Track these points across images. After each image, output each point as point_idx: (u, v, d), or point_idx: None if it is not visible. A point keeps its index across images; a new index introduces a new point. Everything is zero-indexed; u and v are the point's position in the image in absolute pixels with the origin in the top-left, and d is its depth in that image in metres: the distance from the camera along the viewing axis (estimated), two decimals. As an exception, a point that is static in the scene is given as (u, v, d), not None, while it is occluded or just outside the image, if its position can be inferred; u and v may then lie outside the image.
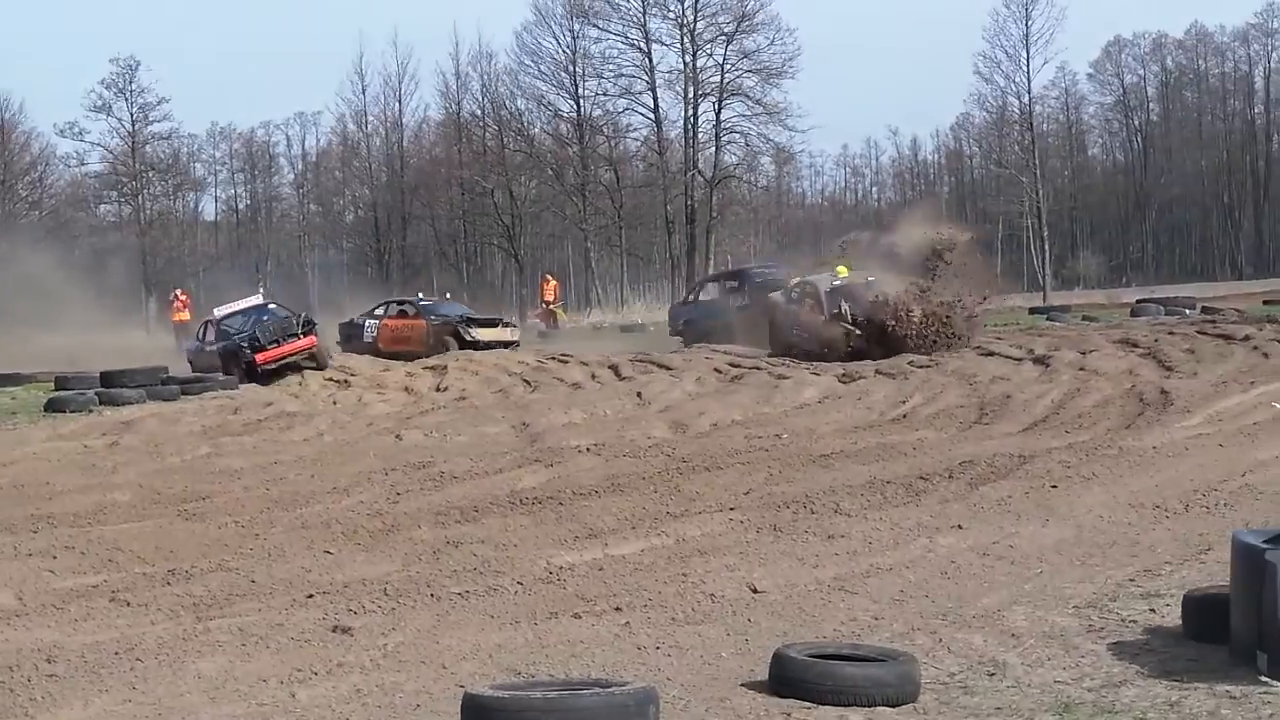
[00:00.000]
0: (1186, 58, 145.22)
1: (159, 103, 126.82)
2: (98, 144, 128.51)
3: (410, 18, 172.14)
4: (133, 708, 12.69)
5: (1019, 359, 44.73)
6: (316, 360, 56.74)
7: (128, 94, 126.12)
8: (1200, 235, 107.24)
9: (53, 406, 46.16)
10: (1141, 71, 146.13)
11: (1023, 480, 23.98)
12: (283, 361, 55.87)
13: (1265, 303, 69.67)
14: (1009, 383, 39.06)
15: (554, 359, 53.72)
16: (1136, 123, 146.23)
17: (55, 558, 19.79)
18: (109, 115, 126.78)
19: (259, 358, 55.19)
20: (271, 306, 60.18)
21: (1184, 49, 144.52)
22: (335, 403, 44.64)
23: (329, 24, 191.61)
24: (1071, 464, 25.45)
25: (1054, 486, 23.40)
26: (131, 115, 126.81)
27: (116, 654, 14.57)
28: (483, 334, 63.96)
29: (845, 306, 51.97)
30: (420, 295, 75.43)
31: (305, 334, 56.67)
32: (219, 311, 62.21)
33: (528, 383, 47.72)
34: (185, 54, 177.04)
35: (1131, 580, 16.55)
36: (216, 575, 18.37)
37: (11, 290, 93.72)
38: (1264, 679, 12.24)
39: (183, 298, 77.81)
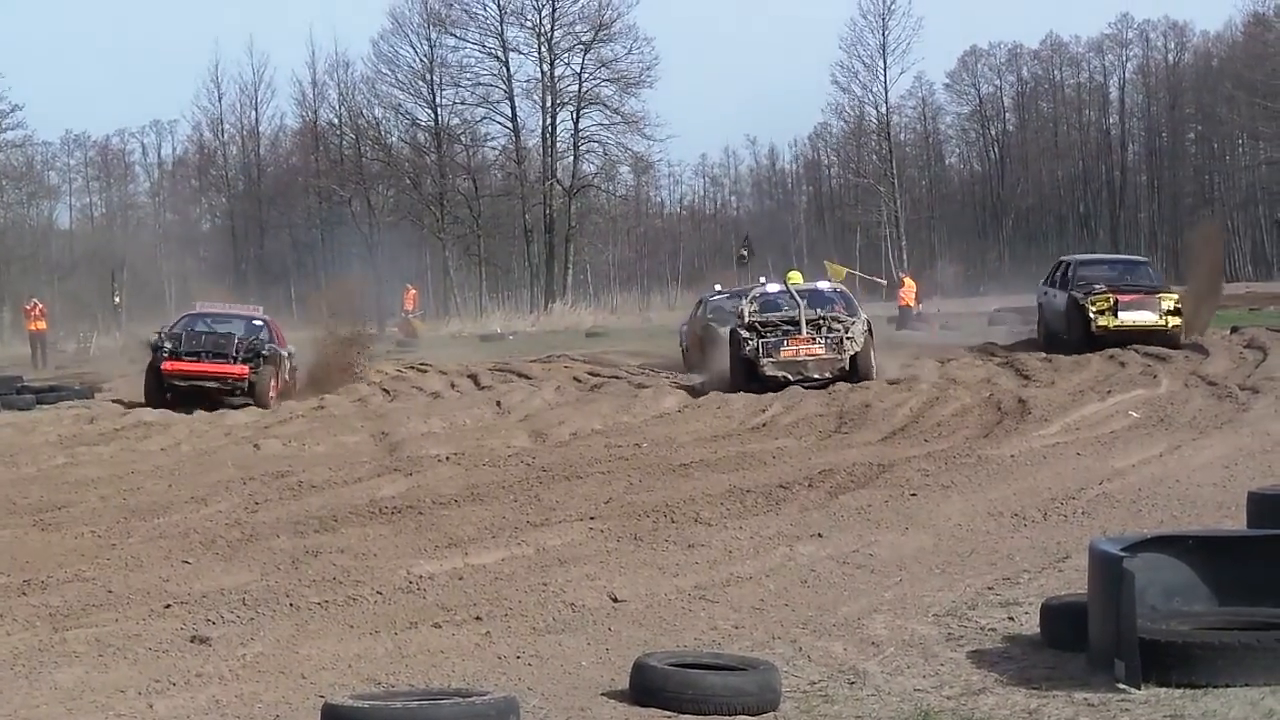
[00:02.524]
0: (1042, 68, 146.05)
1: (11, 110, 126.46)
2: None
3: (266, 25, 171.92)
4: (-11, 719, 12.64)
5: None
6: (254, 397, 47.03)
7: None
8: (1057, 244, 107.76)
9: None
10: (998, 82, 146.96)
11: (882, 489, 24.06)
12: (194, 383, 47.13)
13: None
14: (868, 391, 39.19)
15: (413, 368, 53.76)
16: (993, 132, 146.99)
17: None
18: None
19: (167, 365, 47.12)
20: (258, 322, 52.11)
21: (1039, 59, 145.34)
22: (191, 412, 44.42)
23: (184, 30, 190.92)
24: (930, 472, 25.55)
25: (913, 495, 23.48)
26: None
27: (-28, 666, 14.52)
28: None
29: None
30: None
31: (242, 361, 47.25)
32: (198, 306, 55.80)
33: (386, 392, 47.72)
34: (38, 60, 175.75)
35: (990, 588, 16.63)
36: (73, 585, 18.27)
37: None
38: (1121, 686, 12.30)
39: (39, 307, 77.43)
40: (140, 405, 45.57)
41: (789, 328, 42.03)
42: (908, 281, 67.75)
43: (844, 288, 47.36)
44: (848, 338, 41.50)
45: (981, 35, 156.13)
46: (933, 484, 24.45)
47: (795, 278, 47.58)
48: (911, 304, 68.13)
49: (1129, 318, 46.85)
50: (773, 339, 41.70)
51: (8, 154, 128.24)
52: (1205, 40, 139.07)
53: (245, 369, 47.02)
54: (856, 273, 62.64)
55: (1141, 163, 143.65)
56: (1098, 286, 48.99)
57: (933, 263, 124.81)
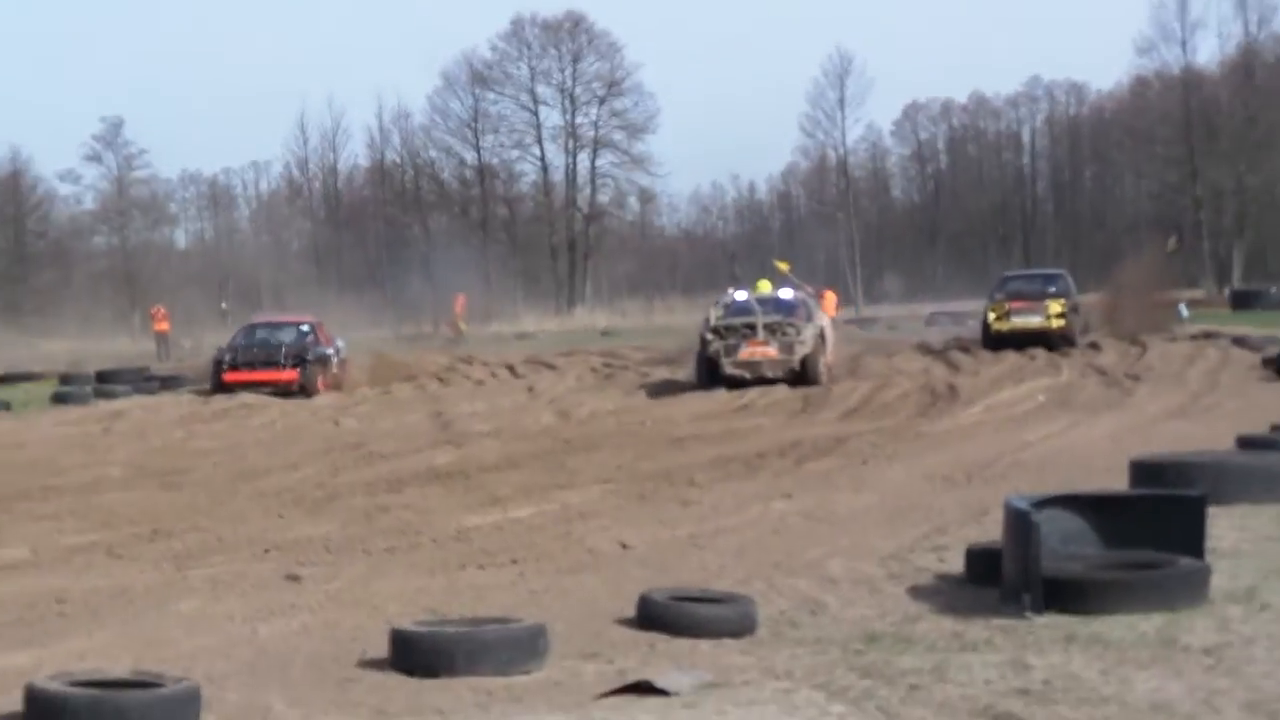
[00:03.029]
0: (969, 118, 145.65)
1: (140, 153, 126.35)
2: (91, 187, 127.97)
3: (343, 83, 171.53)
4: (126, 640, 12.68)
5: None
6: (305, 391, 45.37)
7: (115, 146, 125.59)
8: (981, 261, 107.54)
9: (58, 399, 46.33)
10: (933, 129, 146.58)
11: (839, 458, 24.18)
12: (252, 390, 45.18)
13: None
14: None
15: (461, 361, 53.54)
16: (929, 170, 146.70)
17: (62, 520, 19.77)
18: (100, 163, 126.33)
19: (227, 376, 46.31)
20: (305, 329, 50.06)
21: (967, 111, 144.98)
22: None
23: (278, 87, 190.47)
24: (878, 444, 25.69)
25: (864, 463, 23.60)
26: (118, 164, 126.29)
27: (112, 597, 14.59)
28: None
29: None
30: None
31: (290, 366, 46.31)
32: (255, 318, 55.45)
33: (440, 380, 47.60)
34: (161, 109, 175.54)
35: (925, 537, 16.63)
36: (192, 534, 18.36)
37: (22, 305, 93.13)
38: (1027, 614, 12.36)
39: (163, 311, 77.24)
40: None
41: (747, 331, 39.59)
42: (828, 294, 67.23)
43: (805, 296, 44.88)
44: (799, 341, 39.03)
45: (920, 91, 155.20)
46: (879, 454, 24.56)
47: (764, 286, 45.80)
48: (831, 312, 67.43)
49: (1019, 321, 46.40)
50: (732, 341, 39.27)
51: (137, 189, 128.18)
52: (1099, 96, 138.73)
53: (294, 373, 46.05)
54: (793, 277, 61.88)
55: (1048, 195, 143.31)
56: (998, 295, 48.74)
57: (881, 275, 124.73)
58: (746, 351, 38.87)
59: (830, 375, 40.70)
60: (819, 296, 68.49)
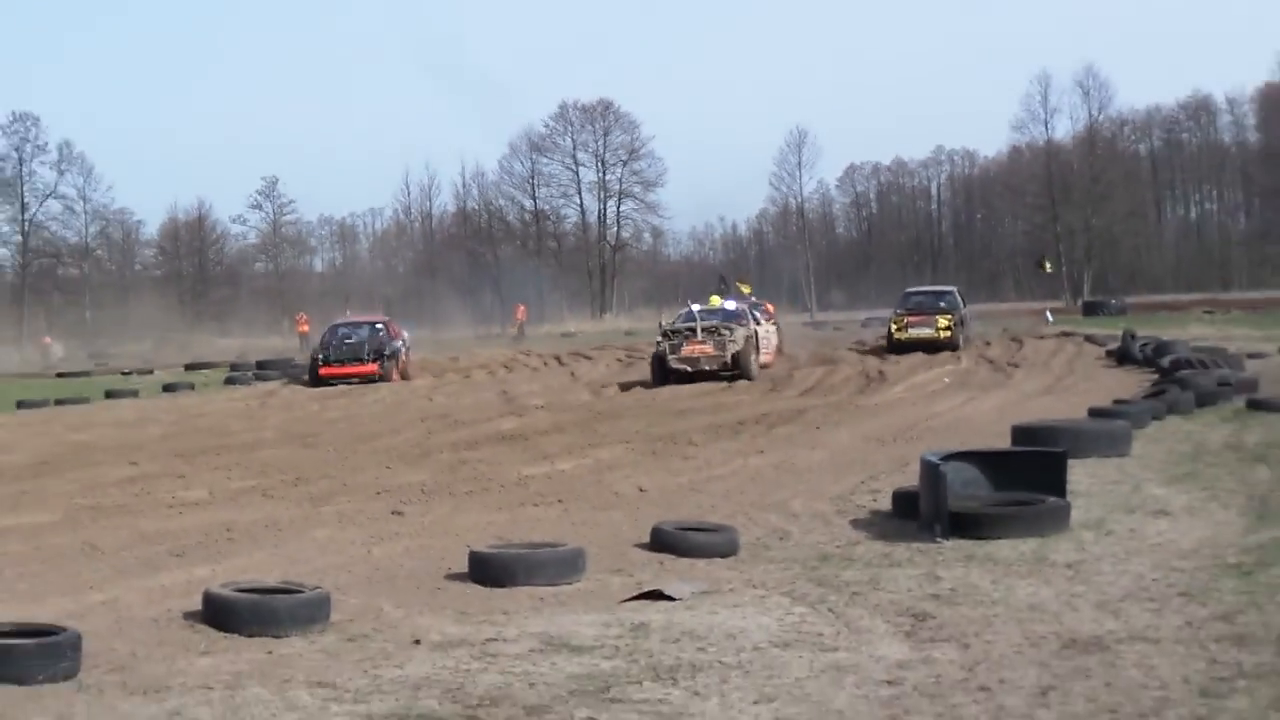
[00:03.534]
0: (892, 176, 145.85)
1: (289, 202, 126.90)
2: (254, 227, 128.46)
3: (436, 148, 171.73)
4: (276, 558, 12.63)
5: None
6: (383, 379, 42.49)
7: (271, 197, 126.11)
8: (902, 279, 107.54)
9: (229, 381, 46.54)
10: (866, 184, 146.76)
11: (799, 424, 24.07)
12: (342, 381, 42.59)
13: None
14: (792, 368, 39.28)
15: (521, 354, 53.51)
16: (864, 214, 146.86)
17: (230, 470, 19.75)
18: (261, 210, 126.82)
19: (322, 371, 43.39)
20: (379, 326, 46.69)
21: (891, 170, 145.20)
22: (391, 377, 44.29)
23: (390, 148, 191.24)
24: (828, 414, 25.61)
25: (818, 428, 23.50)
26: (274, 210, 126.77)
27: (266, 527, 14.53)
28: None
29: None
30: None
31: (371, 361, 43.37)
32: (337, 320, 50.28)
33: (506, 368, 47.55)
34: (304, 169, 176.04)
35: (863, 483, 16.56)
36: (323, 481, 18.30)
37: (204, 313, 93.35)
38: (938, 540, 12.32)
39: (304, 317, 77.49)
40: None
41: (689, 333, 36.78)
42: (769, 306, 66.77)
43: (745, 307, 41.45)
44: (731, 341, 36.11)
45: (857, 155, 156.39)
46: (829, 421, 24.47)
47: (715, 301, 42.90)
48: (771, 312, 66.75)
49: (914, 332, 43.89)
50: (676, 342, 36.53)
51: (287, 228, 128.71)
52: (986, 160, 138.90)
53: (375, 366, 43.15)
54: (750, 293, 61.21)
55: (950, 232, 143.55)
56: (899, 310, 46.40)
57: (829, 290, 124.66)
58: (688, 349, 36.25)
59: (776, 360, 40.01)
60: (764, 307, 68.42)
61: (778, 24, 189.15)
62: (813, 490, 16.22)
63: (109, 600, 10.81)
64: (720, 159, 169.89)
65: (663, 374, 36.18)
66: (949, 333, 43.76)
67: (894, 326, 45.00)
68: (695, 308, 40.10)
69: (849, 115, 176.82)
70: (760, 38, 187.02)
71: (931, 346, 42.86)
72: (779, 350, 41.98)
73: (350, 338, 45.37)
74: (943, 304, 46.52)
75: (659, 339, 37.54)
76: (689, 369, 35.83)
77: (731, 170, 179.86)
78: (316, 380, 43.15)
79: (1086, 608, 9.78)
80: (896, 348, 43.73)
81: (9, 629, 8.88)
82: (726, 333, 36.52)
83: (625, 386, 36.42)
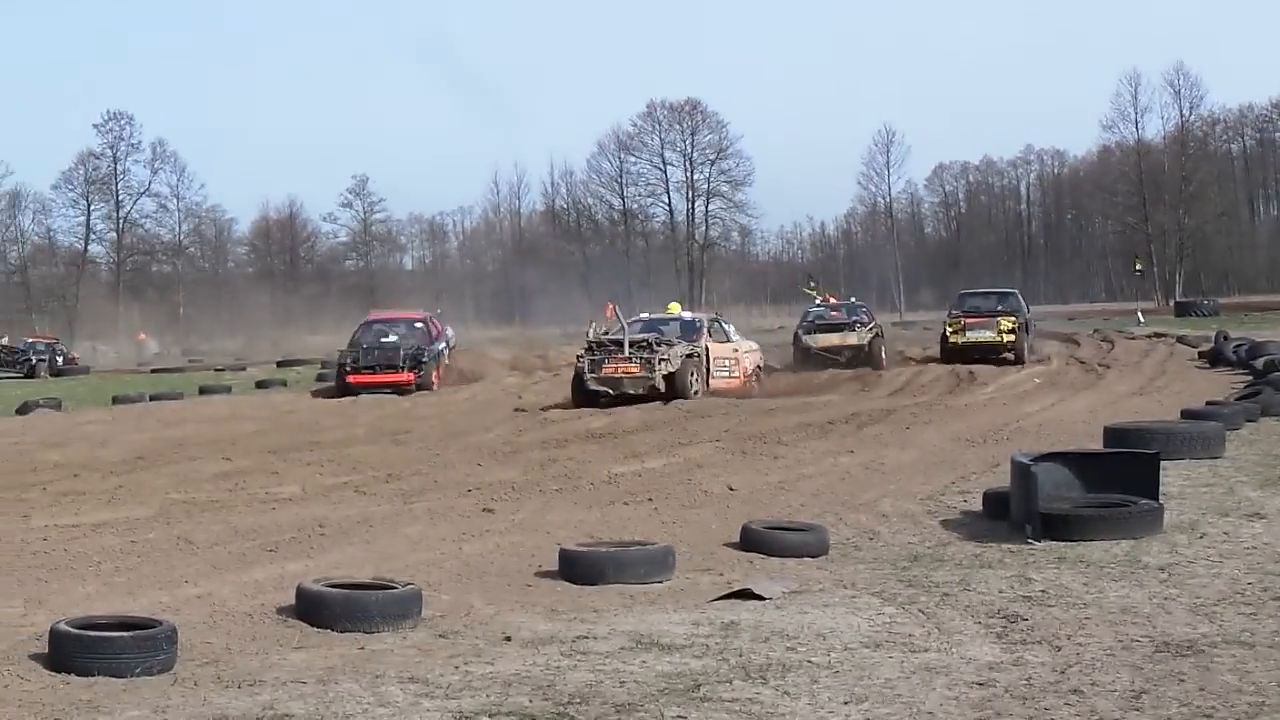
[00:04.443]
0: (981, 175, 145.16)
1: (379, 201, 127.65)
2: (344, 225, 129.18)
3: (525, 147, 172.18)
4: (367, 553, 12.69)
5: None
6: (421, 388, 37.82)
7: (362, 196, 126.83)
8: (991, 279, 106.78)
9: (320, 378, 46.48)
10: (955, 183, 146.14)
11: (889, 424, 23.96)
12: (372, 391, 37.14)
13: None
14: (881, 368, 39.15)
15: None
16: (952, 214, 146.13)
17: (322, 466, 19.84)
18: (351, 208, 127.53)
19: (350, 378, 38.05)
20: (419, 325, 41.42)
21: (980, 170, 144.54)
22: (480, 375, 44.31)
23: (478, 150, 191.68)
24: (918, 414, 25.48)
25: (907, 428, 23.39)
26: (364, 208, 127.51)
27: (358, 523, 14.59)
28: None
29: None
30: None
31: (408, 369, 38.10)
32: (371, 315, 44.58)
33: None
34: (395, 168, 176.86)
35: (953, 483, 16.49)
36: (415, 477, 18.37)
37: (296, 312, 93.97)
38: (1029, 541, 12.26)
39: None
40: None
41: (614, 349, 30.79)
42: (832, 300, 66.24)
43: (704, 319, 34.25)
44: (662, 359, 30.20)
45: (946, 155, 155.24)
46: (919, 421, 24.35)
47: (674, 308, 36.59)
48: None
49: (973, 335, 39.54)
50: (598, 358, 30.65)
51: (377, 226, 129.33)
52: (1076, 160, 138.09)
53: (411, 375, 37.78)
54: (812, 292, 60.62)
55: (1039, 232, 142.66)
56: (955, 312, 41.83)
57: (918, 291, 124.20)
58: (609, 368, 30.45)
59: (747, 387, 32.79)
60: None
61: (866, 22, 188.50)
62: (902, 490, 16.15)
63: (203, 594, 10.89)
64: (809, 158, 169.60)
65: (579, 393, 30.89)
66: (1012, 336, 39.58)
67: (949, 329, 40.79)
68: (645, 316, 35.63)
69: (938, 114, 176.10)
70: (849, 36, 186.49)
71: (992, 352, 39.17)
72: (756, 374, 34.45)
73: (385, 338, 40.20)
74: (1005, 305, 42.50)
75: (580, 353, 31.67)
76: (610, 391, 30.39)
77: (820, 170, 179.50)
78: (343, 388, 38.07)
79: (1180, 611, 9.70)
80: (952, 354, 39.93)
81: (106, 622, 8.97)
82: (660, 349, 30.60)
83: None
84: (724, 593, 10.68)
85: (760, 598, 10.44)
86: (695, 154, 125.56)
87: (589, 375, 30.63)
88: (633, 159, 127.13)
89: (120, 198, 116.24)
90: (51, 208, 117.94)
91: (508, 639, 9.33)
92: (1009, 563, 11.66)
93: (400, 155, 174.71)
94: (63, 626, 8.74)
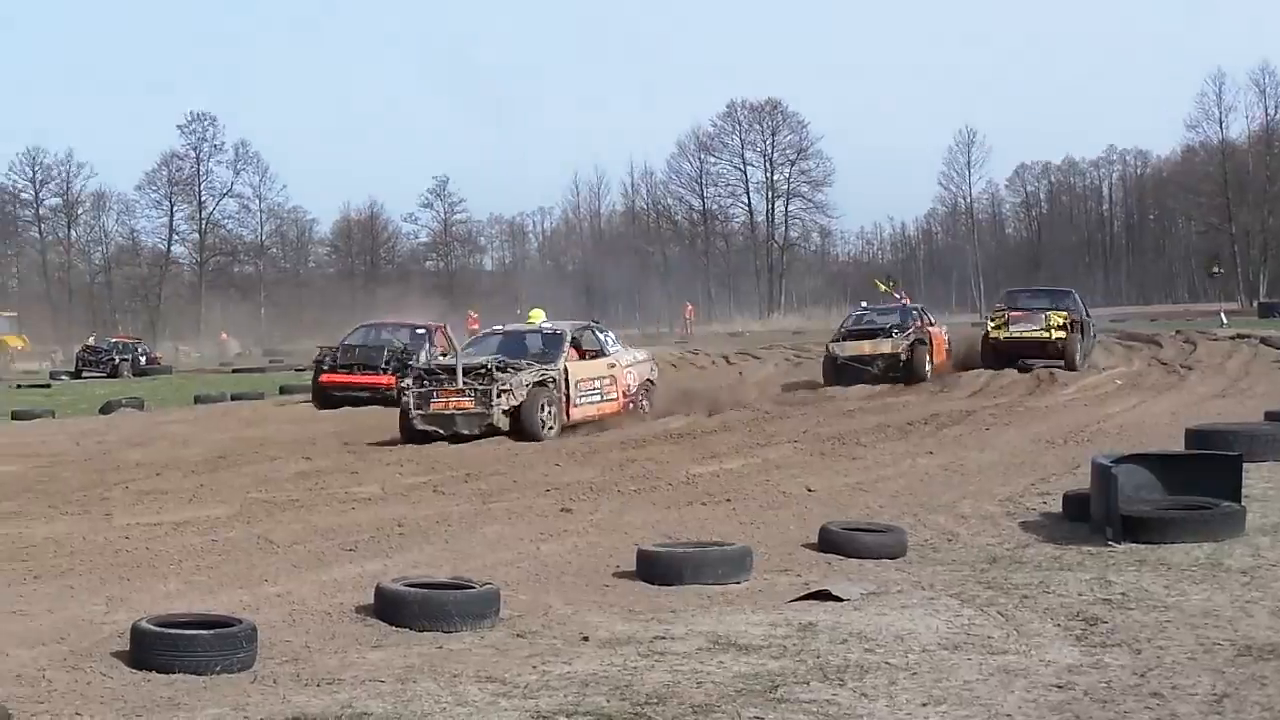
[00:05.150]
0: (1063, 176, 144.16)
1: (460, 201, 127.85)
2: (425, 226, 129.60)
3: (605, 148, 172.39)
4: (446, 553, 12.73)
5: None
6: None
7: (442, 196, 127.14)
8: (1072, 281, 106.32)
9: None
10: (1036, 184, 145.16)
11: (968, 425, 23.86)
12: (349, 393, 33.42)
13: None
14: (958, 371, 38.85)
15: (689, 353, 53.53)
16: (1034, 214, 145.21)
17: (402, 466, 19.92)
18: (431, 209, 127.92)
19: (324, 378, 34.13)
20: (420, 332, 36.00)
21: (1061, 170, 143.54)
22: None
23: (559, 151, 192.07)
24: (997, 415, 25.33)
25: (987, 429, 23.27)
26: (444, 209, 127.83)
27: (437, 522, 14.64)
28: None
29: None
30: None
31: (390, 371, 32.52)
32: (379, 319, 41.13)
33: (674, 366, 47.63)
34: (475, 169, 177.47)
35: (1033, 485, 16.42)
36: (494, 477, 18.42)
37: (377, 312, 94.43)
38: (1109, 543, 12.21)
39: (474, 315, 78.19)
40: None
41: (446, 377, 24.50)
42: (908, 300, 65.75)
43: (566, 330, 26.72)
44: (503, 390, 23.91)
45: (1027, 155, 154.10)
46: (998, 422, 24.22)
47: (535, 316, 28.81)
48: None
49: (1017, 330, 35.01)
50: (427, 389, 24.36)
51: (457, 227, 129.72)
52: (1159, 160, 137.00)
53: (393, 379, 31.00)
54: (887, 288, 60.00)
55: (1122, 232, 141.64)
56: (998, 305, 37.94)
57: (998, 292, 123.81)
58: (439, 402, 24.14)
59: (629, 410, 27.08)
60: (902, 302, 66.54)
61: (947, 21, 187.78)
62: (982, 492, 16.09)
63: (283, 593, 10.96)
64: (889, 159, 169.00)
65: (410, 436, 24.36)
66: (1063, 334, 34.93)
67: (991, 324, 36.19)
68: (501, 328, 28.82)
69: (1019, 114, 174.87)
70: (929, 35, 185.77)
71: (1039, 352, 35.05)
72: (645, 391, 28.30)
73: (376, 341, 36.04)
74: (1057, 300, 37.64)
75: (408, 382, 25.17)
76: (440, 431, 24.08)
77: (899, 168, 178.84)
78: (318, 391, 34.34)
79: (1262, 614, 9.64)
80: (993, 353, 35.46)
81: (187, 620, 9.05)
82: (501, 377, 24.26)
83: (789, 387, 36.17)
84: (802, 594, 10.67)
85: (838, 599, 10.43)
86: (775, 154, 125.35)
87: (415, 412, 24.19)
88: (713, 159, 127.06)
89: (203, 198, 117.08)
90: (135, 208, 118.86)
91: (585, 639, 9.36)
92: (1089, 565, 11.61)
93: (480, 156, 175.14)
94: (144, 624, 8.83)
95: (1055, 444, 20.80)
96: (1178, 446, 17.71)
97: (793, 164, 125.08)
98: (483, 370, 24.41)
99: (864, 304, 41.77)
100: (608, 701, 7.78)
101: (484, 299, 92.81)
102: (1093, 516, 12.97)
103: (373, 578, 10.94)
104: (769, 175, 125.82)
